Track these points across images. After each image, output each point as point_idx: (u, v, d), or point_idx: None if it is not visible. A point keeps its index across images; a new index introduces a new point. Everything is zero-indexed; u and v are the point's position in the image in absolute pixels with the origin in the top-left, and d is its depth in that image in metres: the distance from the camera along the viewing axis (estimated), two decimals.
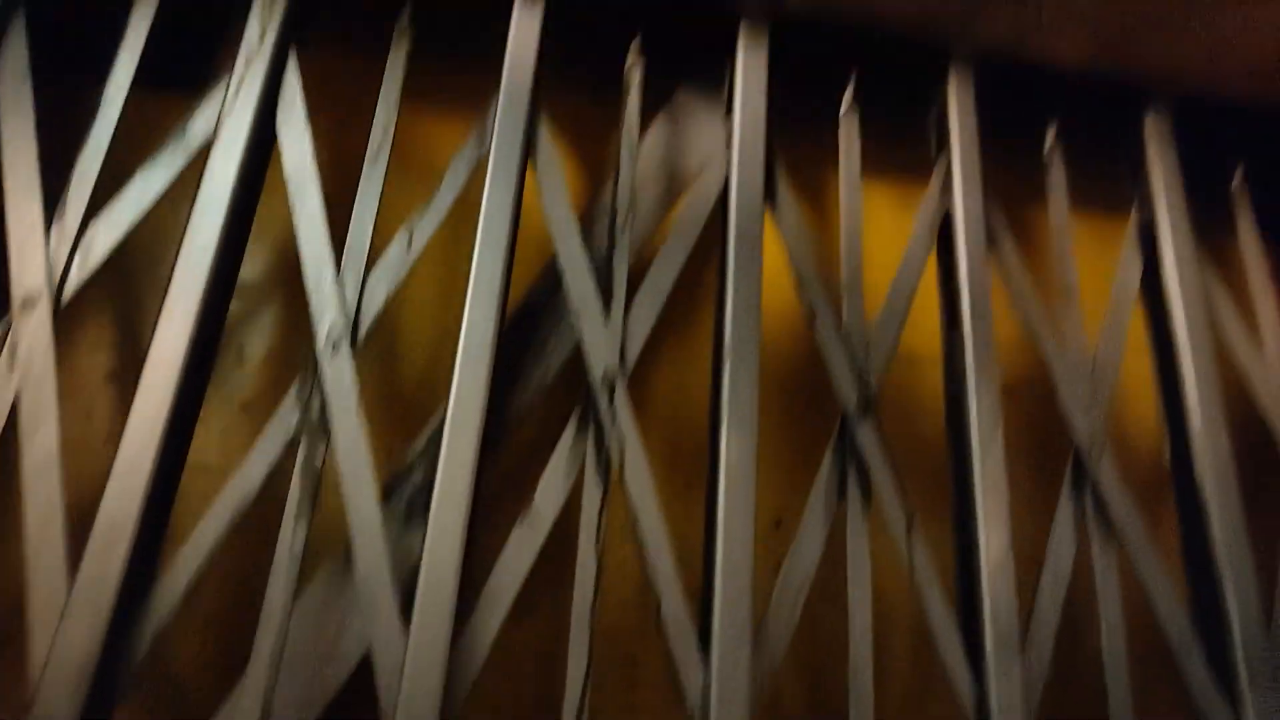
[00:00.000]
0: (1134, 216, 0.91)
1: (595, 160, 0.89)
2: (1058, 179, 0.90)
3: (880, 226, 0.92)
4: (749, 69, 0.85)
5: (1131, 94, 0.93)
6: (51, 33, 0.79)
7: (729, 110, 0.85)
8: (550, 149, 0.80)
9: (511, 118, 0.79)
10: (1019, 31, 0.87)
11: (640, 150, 0.85)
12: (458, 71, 0.87)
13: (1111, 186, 0.94)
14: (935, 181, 0.87)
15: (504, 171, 0.77)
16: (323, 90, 0.81)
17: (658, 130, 0.89)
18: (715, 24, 0.87)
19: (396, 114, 0.80)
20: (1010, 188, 0.92)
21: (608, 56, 0.86)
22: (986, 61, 0.89)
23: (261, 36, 0.77)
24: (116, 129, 0.75)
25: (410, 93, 0.81)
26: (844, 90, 0.89)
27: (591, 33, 0.87)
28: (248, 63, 0.77)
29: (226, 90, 0.76)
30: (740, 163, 0.83)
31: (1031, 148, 0.93)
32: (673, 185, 0.88)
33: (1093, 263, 0.91)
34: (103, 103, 0.76)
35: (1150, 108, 0.92)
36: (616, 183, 0.81)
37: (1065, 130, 0.92)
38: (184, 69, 0.81)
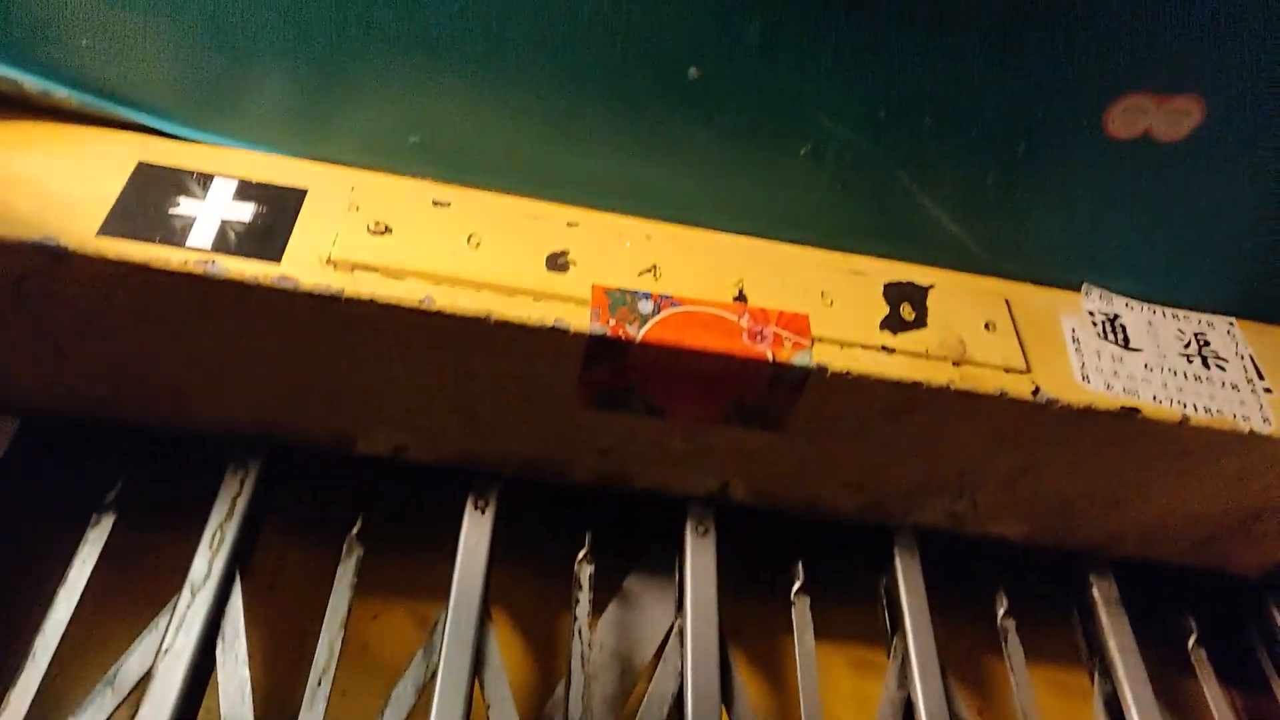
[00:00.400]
0: (1096, 688, 0.89)
1: (546, 652, 0.88)
2: (1015, 648, 0.90)
3: (840, 692, 0.90)
4: (697, 566, 0.86)
5: (1075, 560, 0.95)
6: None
7: (680, 605, 0.85)
8: (498, 666, 0.78)
9: (459, 637, 0.78)
10: (956, 517, 0.90)
11: (592, 641, 0.85)
12: (408, 574, 0.87)
13: (1069, 642, 0.95)
14: (892, 666, 0.86)
15: (452, 694, 0.75)
16: (267, 606, 0.81)
17: (608, 620, 0.88)
18: (662, 516, 0.89)
19: (343, 632, 0.78)
20: (968, 651, 0.92)
21: (556, 549, 0.88)
22: (930, 538, 0.92)
23: (208, 569, 0.77)
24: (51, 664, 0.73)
25: (359, 592, 0.81)
26: (794, 563, 0.90)
27: (540, 533, 0.89)
28: (192, 594, 0.76)
29: (167, 626, 0.75)
30: (694, 663, 0.81)
31: (985, 609, 0.93)
32: (625, 678, 0.86)
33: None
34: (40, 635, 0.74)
35: (1094, 571, 0.95)
36: (569, 688, 0.79)
37: (1014, 595, 0.93)
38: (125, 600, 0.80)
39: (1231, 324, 0.89)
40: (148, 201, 0.72)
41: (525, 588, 0.89)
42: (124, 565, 0.79)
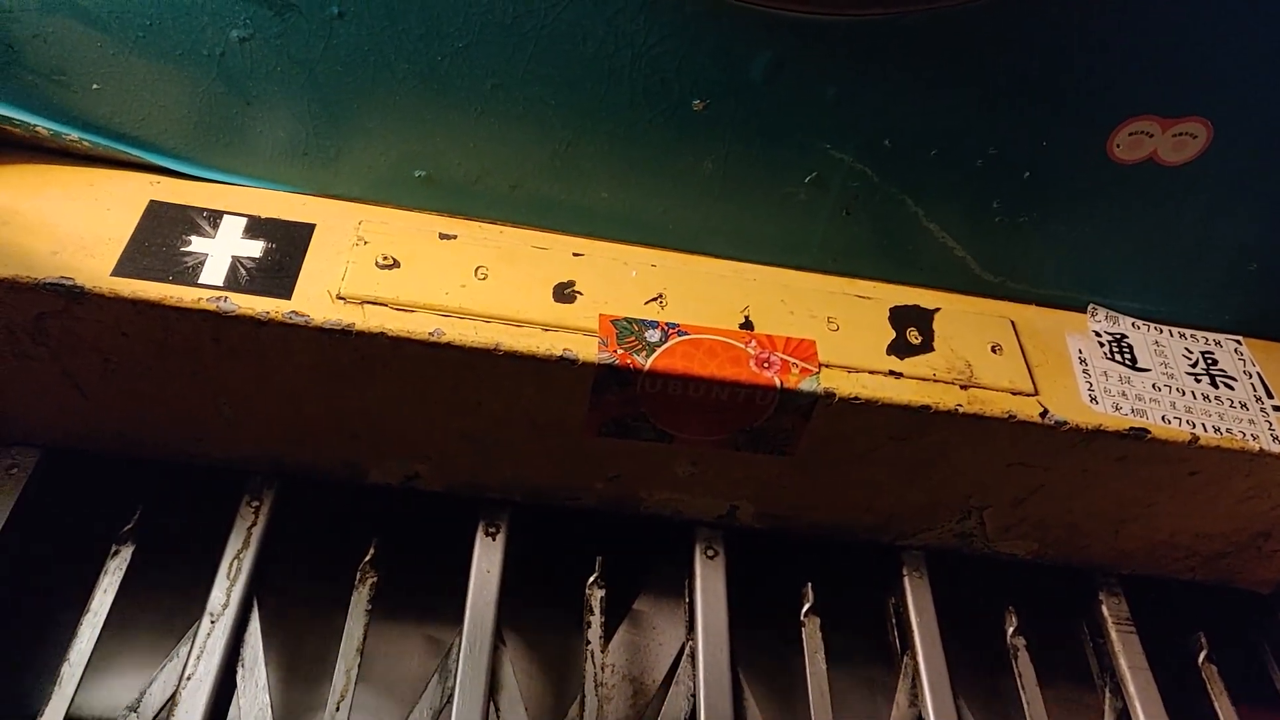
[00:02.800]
0: (1108, 706, 0.90)
1: (559, 674, 0.89)
2: (1025, 666, 0.90)
3: (852, 711, 0.91)
4: (707, 588, 0.87)
5: (1084, 577, 0.95)
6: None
7: (690, 628, 0.86)
8: (513, 689, 0.80)
9: (474, 661, 0.79)
10: (965, 537, 0.91)
11: (605, 664, 0.85)
12: (422, 600, 0.89)
13: (1079, 660, 0.95)
14: (903, 685, 0.87)
15: (468, 717, 0.76)
16: (284, 632, 0.82)
17: (620, 642, 0.89)
18: (671, 539, 0.90)
19: (359, 658, 0.80)
20: (979, 669, 0.92)
21: (567, 572, 0.89)
22: (939, 557, 0.92)
23: (226, 598, 0.78)
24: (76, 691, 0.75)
25: (374, 618, 0.82)
26: (804, 585, 0.91)
27: (551, 557, 0.90)
28: (212, 622, 0.78)
29: (189, 654, 0.76)
30: (706, 684, 0.82)
31: (995, 627, 0.94)
32: (638, 700, 0.87)
33: None
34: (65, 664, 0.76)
35: (1104, 588, 0.95)
36: (583, 710, 0.81)
37: (1024, 613, 0.93)
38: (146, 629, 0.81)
39: (1239, 343, 0.89)
40: (160, 240, 0.73)
41: (538, 611, 0.90)
42: (144, 594, 0.80)
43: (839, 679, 0.90)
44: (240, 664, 0.78)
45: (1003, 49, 0.71)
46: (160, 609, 0.82)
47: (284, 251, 0.75)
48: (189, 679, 0.76)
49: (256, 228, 0.76)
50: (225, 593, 0.79)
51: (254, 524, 0.83)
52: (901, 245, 0.84)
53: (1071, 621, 0.96)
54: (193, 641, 0.77)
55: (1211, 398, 0.84)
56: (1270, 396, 0.85)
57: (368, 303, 0.73)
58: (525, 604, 0.88)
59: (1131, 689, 0.89)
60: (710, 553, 0.89)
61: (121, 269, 0.70)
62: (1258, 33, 0.71)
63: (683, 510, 0.89)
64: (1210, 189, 0.80)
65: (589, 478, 0.85)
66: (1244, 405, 0.84)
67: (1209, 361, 0.86)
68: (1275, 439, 0.82)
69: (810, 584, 0.89)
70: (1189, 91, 0.74)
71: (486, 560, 0.84)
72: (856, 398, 0.77)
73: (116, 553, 0.80)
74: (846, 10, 0.68)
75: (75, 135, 0.75)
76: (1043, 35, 0.70)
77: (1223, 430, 0.81)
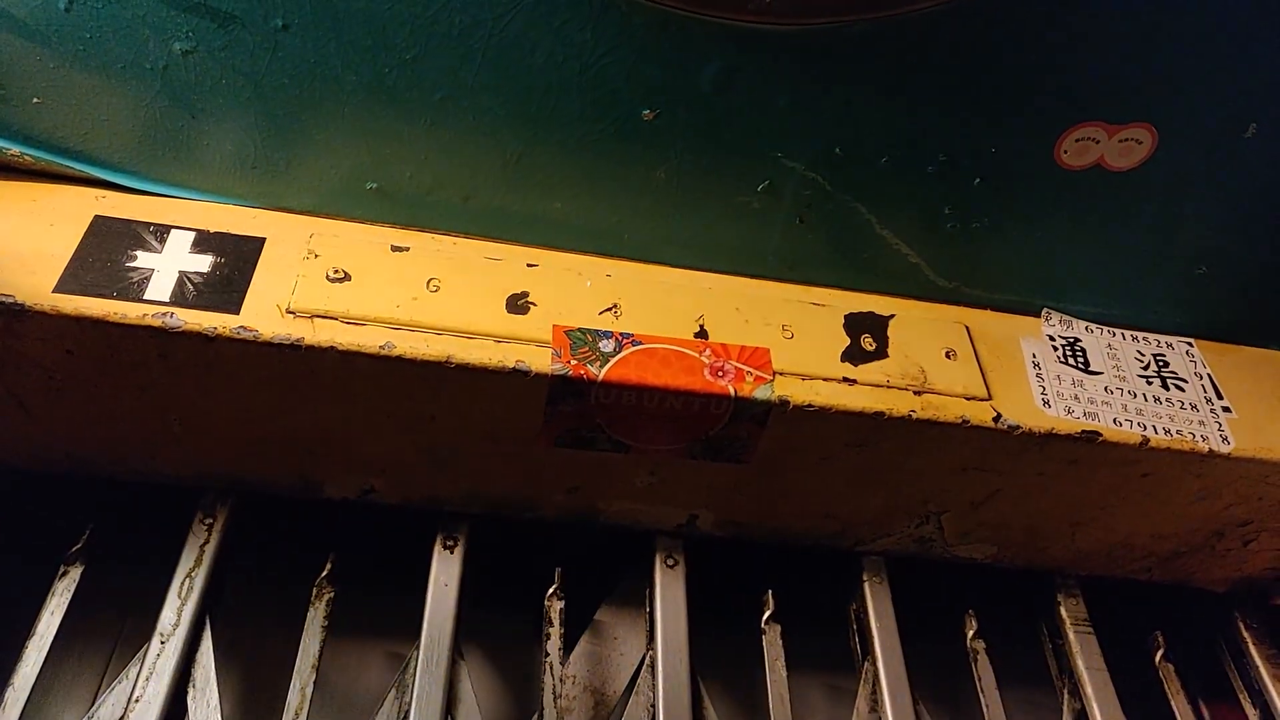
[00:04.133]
0: (1066, 707, 0.90)
1: (519, 687, 0.89)
2: (985, 669, 0.91)
3: (813, 718, 0.91)
4: (667, 598, 0.87)
5: (1043, 580, 0.96)
6: None
7: (650, 638, 0.86)
8: (471, 704, 0.79)
9: (431, 675, 0.78)
10: (923, 541, 0.91)
11: (565, 676, 0.85)
12: (379, 614, 0.88)
13: (1038, 662, 0.96)
14: (863, 691, 0.87)
15: None
16: (238, 651, 0.81)
17: (581, 653, 0.89)
18: (631, 548, 0.90)
19: (315, 675, 0.79)
20: (939, 673, 0.93)
21: (526, 584, 0.88)
22: (898, 562, 0.93)
23: (177, 617, 0.77)
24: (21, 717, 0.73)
25: (331, 634, 0.81)
26: (764, 592, 0.91)
27: (510, 569, 0.89)
28: (162, 643, 0.77)
29: (137, 676, 0.75)
30: (665, 695, 0.82)
31: (955, 631, 0.94)
32: (599, 711, 0.87)
33: None
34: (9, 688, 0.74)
35: (1062, 590, 0.95)
36: None
37: (983, 616, 0.93)
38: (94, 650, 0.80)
39: (1190, 345, 0.90)
40: (105, 255, 0.72)
41: (497, 624, 0.89)
42: (93, 616, 0.79)
43: (800, 686, 0.90)
44: (191, 685, 0.76)
45: (949, 57, 0.71)
46: (110, 630, 0.81)
47: (233, 266, 0.74)
48: (137, 701, 0.74)
49: (205, 242, 0.75)
50: (176, 612, 0.78)
51: (207, 541, 0.82)
52: (856, 252, 0.84)
53: (1031, 624, 0.97)
54: (142, 663, 0.76)
55: (1163, 400, 0.85)
56: (1220, 398, 0.86)
57: (318, 316, 0.72)
58: (485, 617, 0.87)
59: (1089, 689, 0.89)
60: (670, 562, 0.89)
61: (64, 285, 0.69)
62: (1199, 39, 0.72)
63: (642, 520, 0.89)
64: (1158, 193, 0.81)
65: (547, 489, 0.85)
66: (1194, 406, 0.85)
67: (1160, 364, 0.87)
68: (1224, 440, 0.83)
69: (771, 591, 0.89)
70: (1133, 98, 0.75)
71: (444, 574, 0.84)
72: (810, 405, 0.77)
73: (65, 573, 0.79)
74: (794, 20, 0.68)
75: (17, 150, 0.74)
76: (988, 43, 0.71)
77: (1173, 432, 0.82)
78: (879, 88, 0.73)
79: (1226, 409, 0.85)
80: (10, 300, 0.67)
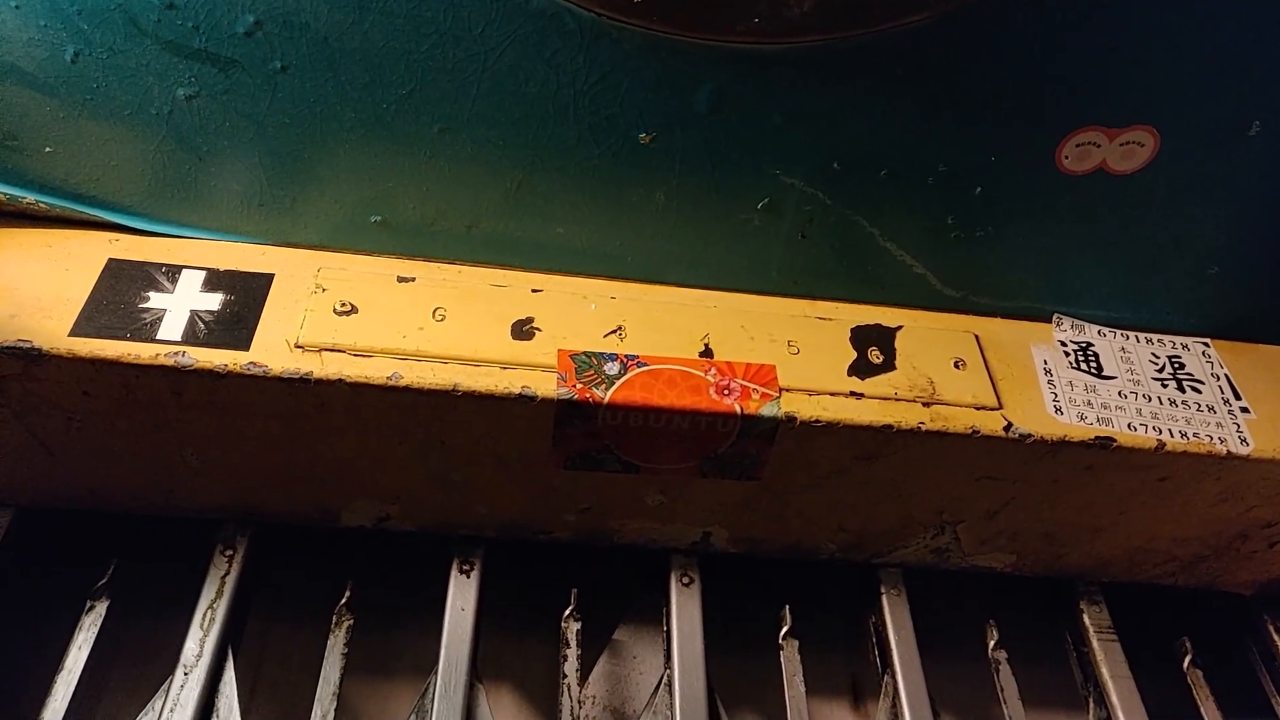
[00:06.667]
0: (1091, 717, 0.89)
1: (538, 710, 0.89)
2: (1007, 679, 0.90)
3: None
4: (683, 616, 0.87)
5: (1065, 587, 0.95)
6: None
7: (667, 657, 0.86)
8: None
9: (450, 700, 0.79)
10: (940, 552, 0.91)
11: (583, 697, 0.86)
12: (398, 640, 0.89)
13: (1062, 671, 0.94)
14: (883, 705, 0.86)
15: None
16: (260, 681, 0.82)
17: (600, 673, 0.89)
18: (647, 567, 0.90)
19: (336, 702, 0.80)
20: (961, 684, 0.92)
21: (543, 606, 0.89)
22: (916, 574, 0.92)
23: (200, 649, 0.78)
24: None
25: (350, 661, 0.82)
26: (781, 607, 0.91)
27: (526, 591, 0.90)
28: (185, 674, 0.78)
29: (162, 708, 0.77)
30: (683, 714, 0.82)
31: (976, 641, 0.93)
32: None
33: None
34: None
35: (1085, 598, 0.94)
36: None
37: (1005, 626, 0.92)
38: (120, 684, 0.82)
39: (1207, 345, 0.89)
40: (118, 297, 0.74)
41: (514, 647, 0.90)
42: (119, 649, 0.81)
43: (819, 701, 0.90)
44: (215, 714, 0.78)
45: (939, 69, 0.71)
46: (136, 663, 0.83)
47: (242, 303, 0.76)
48: None
49: (215, 280, 0.77)
50: (199, 643, 0.79)
51: (227, 572, 0.83)
52: (860, 265, 0.84)
53: (1054, 632, 0.96)
54: (166, 694, 0.77)
55: (1178, 402, 0.83)
56: (1238, 398, 0.85)
57: (326, 350, 0.73)
58: (503, 640, 0.88)
59: (1114, 698, 0.88)
60: (685, 580, 0.89)
61: (79, 329, 0.71)
62: (1197, 40, 0.72)
63: (656, 538, 0.89)
64: (1164, 195, 0.80)
65: (559, 511, 0.86)
66: (1211, 409, 0.84)
67: (1176, 366, 0.86)
68: (1243, 441, 0.81)
69: (788, 606, 0.89)
70: (1132, 101, 0.74)
71: (461, 598, 0.85)
72: (818, 420, 0.77)
73: (91, 608, 0.81)
74: (782, 39, 0.69)
75: (32, 198, 0.76)
76: (976, 55, 0.70)
77: (1190, 435, 0.81)
78: (872, 102, 0.73)
79: (1245, 409, 0.84)
80: (28, 345, 0.69)
